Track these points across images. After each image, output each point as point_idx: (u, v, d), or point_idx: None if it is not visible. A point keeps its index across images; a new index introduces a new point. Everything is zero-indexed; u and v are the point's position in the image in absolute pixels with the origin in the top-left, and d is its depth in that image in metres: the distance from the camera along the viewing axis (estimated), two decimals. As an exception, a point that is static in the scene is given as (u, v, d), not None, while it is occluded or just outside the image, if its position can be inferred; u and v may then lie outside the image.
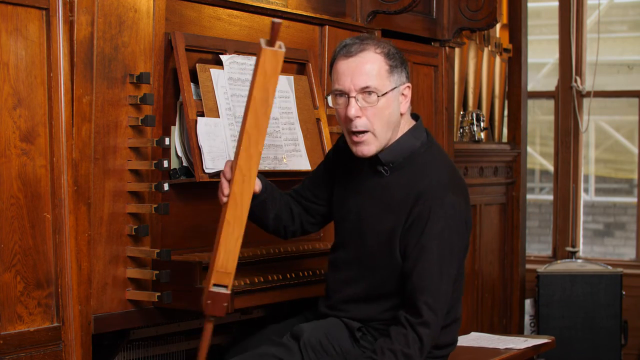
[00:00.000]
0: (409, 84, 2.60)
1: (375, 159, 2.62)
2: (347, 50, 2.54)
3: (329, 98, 2.59)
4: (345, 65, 2.53)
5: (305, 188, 2.87)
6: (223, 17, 3.14)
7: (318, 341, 2.60)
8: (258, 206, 2.68)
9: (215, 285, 2.33)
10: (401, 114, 2.60)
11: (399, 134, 2.62)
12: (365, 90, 2.51)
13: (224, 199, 2.40)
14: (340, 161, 2.79)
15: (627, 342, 5.51)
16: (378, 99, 2.51)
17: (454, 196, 2.55)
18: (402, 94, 2.59)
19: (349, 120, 2.53)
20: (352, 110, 2.51)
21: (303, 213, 2.86)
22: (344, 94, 2.54)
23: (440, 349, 2.72)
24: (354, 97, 2.52)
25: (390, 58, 2.55)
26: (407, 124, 2.65)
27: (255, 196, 2.57)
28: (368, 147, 2.56)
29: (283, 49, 2.17)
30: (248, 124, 2.23)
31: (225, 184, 2.46)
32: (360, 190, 2.69)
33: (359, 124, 2.53)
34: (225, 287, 2.33)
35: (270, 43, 2.13)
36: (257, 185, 2.65)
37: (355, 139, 2.55)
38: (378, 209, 2.63)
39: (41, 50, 2.53)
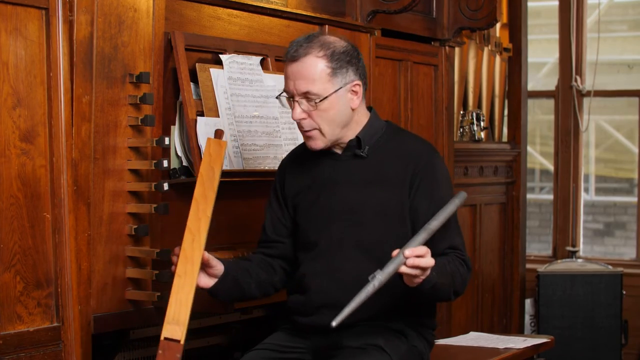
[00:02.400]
0: (359, 82, 2.65)
1: (354, 143, 2.67)
2: (292, 54, 2.60)
3: (282, 99, 2.67)
4: (290, 70, 2.61)
5: (269, 234, 2.79)
6: (223, 17, 3.14)
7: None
8: (233, 286, 2.64)
9: (166, 338, 2.35)
10: (352, 109, 2.66)
11: (362, 122, 2.69)
12: (306, 95, 2.59)
13: (174, 269, 2.49)
14: (296, 176, 2.76)
15: (627, 342, 5.50)
16: (317, 104, 2.59)
17: (440, 155, 2.75)
18: (352, 91, 2.64)
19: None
20: (296, 113, 2.61)
21: (280, 261, 2.78)
22: (290, 96, 2.63)
23: (434, 329, 2.75)
24: (297, 100, 2.60)
25: (333, 60, 2.60)
26: (365, 115, 2.71)
27: (223, 277, 2.60)
28: (315, 141, 2.64)
29: (226, 140, 2.66)
30: (196, 192, 2.50)
31: (175, 259, 2.52)
32: (341, 183, 2.67)
33: (305, 125, 2.62)
34: (178, 340, 2.34)
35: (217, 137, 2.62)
36: (219, 267, 2.60)
37: (305, 134, 2.66)
38: (374, 190, 2.64)
39: (41, 50, 2.52)
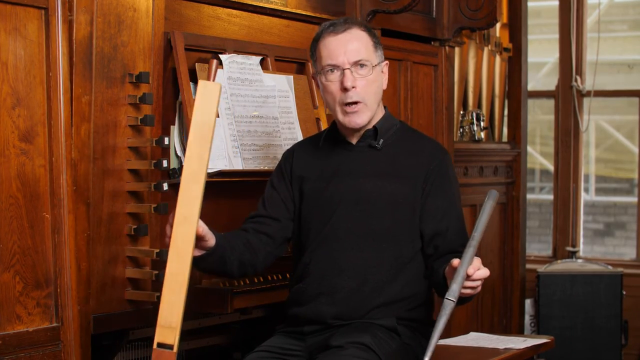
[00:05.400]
0: (387, 62, 2.75)
1: (370, 134, 2.70)
2: (334, 28, 2.65)
3: (320, 76, 2.66)
4: (335, 42, 2.64)
5: (266, 208, 2.77)
6: (222, 17, 3.14)
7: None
8: (218, 262, 2.60)
9: (159, 344, 2.19)
10: (383, 90, 2.73)
11: (380, 114, 2.74)
12: (359, 63, 2.62)
13: (168, 240, 2.38)
14: (306, 161, 2.77)
15: (627, 342, 5.50)
16: (372, 70, 2.63)
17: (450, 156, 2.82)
18: (382, 71, 2.72)
19: (344, 92, 2.62)
20: (349, 82, 2.61)
21: (267, 240, 2.75)
22: (337, 68, 2.63)
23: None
24: (348, 69, 2.62)
25: (372, 35, 2.70)
26: (382, 108, 2.77)
27: (211, 253, 2.55)
28: (360, 116, 2.64)
29: (219, 83, 2.29)
30: (189, 150, 2.27)
31: (169, 229, 2.42)
32: (353, 172, 2.69)
33: (353, 95, 2.62)
34: (171, 345, 2.18)
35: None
36: (211, 242, 2.55)
37: (349, 109, 2.64)
38: (386, 182, 2.66)
39: (40, 49, 2.52)
